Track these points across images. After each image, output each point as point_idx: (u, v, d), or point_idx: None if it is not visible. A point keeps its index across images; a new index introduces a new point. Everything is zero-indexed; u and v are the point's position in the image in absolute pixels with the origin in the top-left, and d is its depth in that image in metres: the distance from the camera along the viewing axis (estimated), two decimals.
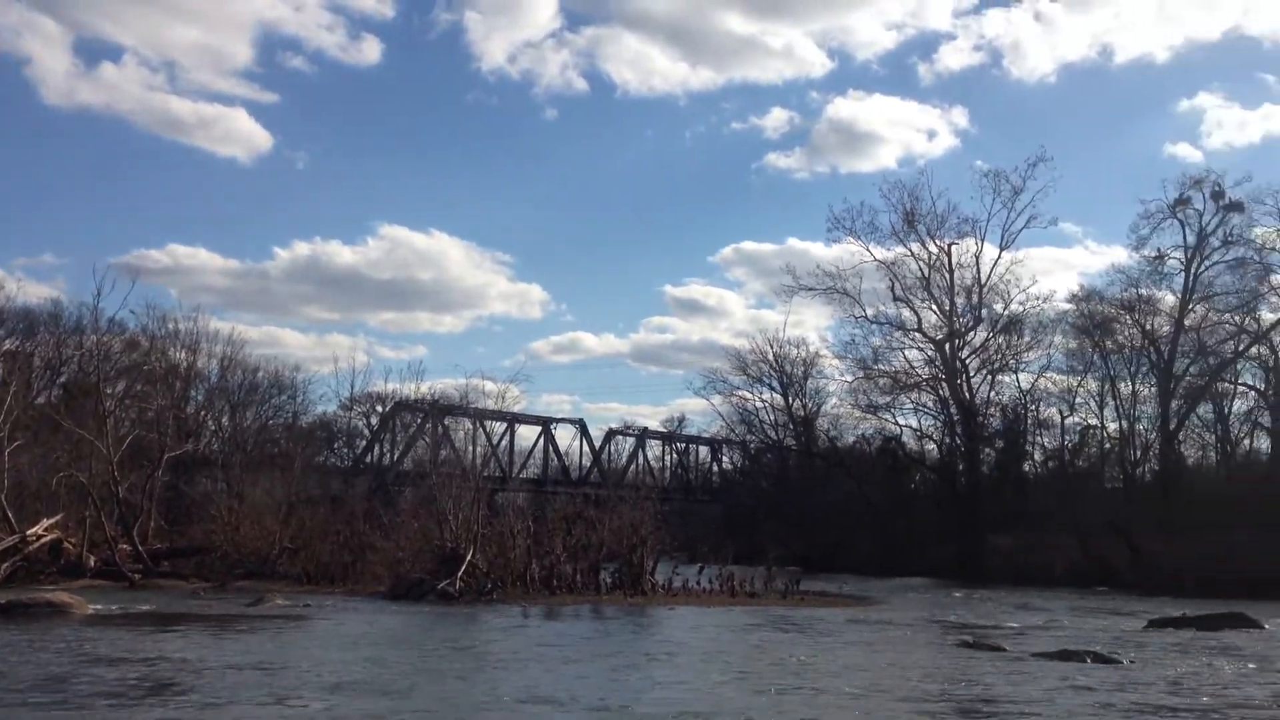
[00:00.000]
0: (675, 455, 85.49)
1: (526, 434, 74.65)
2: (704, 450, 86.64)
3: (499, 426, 71.26)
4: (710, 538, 69.95)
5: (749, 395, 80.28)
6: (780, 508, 72.18)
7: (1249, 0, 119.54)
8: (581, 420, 79.01)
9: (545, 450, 74.75)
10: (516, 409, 72.73)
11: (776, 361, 79.00)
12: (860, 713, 15.13)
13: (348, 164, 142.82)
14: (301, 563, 39.92)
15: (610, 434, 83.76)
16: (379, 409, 73.16)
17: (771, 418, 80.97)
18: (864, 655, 22.34)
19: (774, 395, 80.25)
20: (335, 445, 73.65)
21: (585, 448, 78.60)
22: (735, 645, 24.43)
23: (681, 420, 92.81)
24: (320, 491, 49.65)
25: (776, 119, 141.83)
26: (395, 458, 67.01)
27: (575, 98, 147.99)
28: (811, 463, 78.75)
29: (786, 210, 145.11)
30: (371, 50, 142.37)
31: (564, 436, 78.57)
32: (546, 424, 75.17)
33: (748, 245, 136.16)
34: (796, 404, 79.95)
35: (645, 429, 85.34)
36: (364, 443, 71.63)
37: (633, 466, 77.84)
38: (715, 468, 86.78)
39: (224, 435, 62.70)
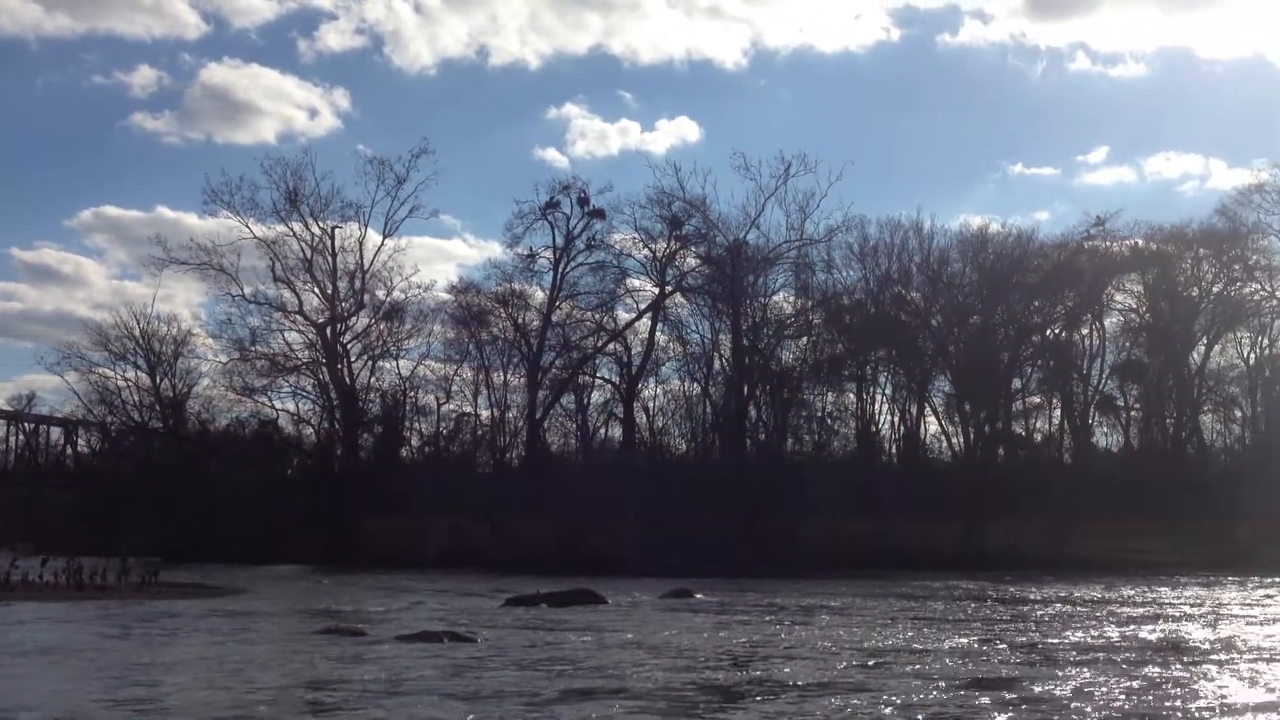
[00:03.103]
0: (22, 436, 77.13)
1: None
2: (56, 431, 79.02)
3: None
4: (61, 527, 64.61)
5: (110, 373, 74.23)
6: (144, 495, 67.60)
7: (611, 22, 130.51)
8: None
9: None
10: None
11: (143, 338, 73.74)
12: (204, 705, 14.00)
13: None
14: None
15: None
16: None
17: (136, 398, 75.46)
18: (219, 648, 21.15)
19: (139, 374, 74.88)
20: None
21: None
22: (72, 643, 22.00)
23: (31, 398, 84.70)
24: None
25: (145, 77, 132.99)
26: None
27: None
28: (180, 447, 74.53)
29: (156, 176, 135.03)
30: None
31: None
32: None
33: (110, 210, 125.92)
34: (165, 384, 75.18)
35: None
36: None
37: None
38: (70, 451, 79.45)
39: None
